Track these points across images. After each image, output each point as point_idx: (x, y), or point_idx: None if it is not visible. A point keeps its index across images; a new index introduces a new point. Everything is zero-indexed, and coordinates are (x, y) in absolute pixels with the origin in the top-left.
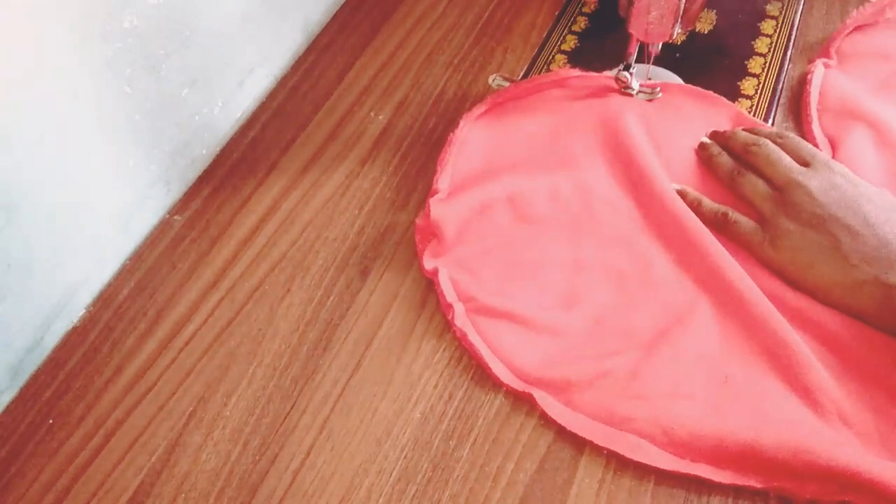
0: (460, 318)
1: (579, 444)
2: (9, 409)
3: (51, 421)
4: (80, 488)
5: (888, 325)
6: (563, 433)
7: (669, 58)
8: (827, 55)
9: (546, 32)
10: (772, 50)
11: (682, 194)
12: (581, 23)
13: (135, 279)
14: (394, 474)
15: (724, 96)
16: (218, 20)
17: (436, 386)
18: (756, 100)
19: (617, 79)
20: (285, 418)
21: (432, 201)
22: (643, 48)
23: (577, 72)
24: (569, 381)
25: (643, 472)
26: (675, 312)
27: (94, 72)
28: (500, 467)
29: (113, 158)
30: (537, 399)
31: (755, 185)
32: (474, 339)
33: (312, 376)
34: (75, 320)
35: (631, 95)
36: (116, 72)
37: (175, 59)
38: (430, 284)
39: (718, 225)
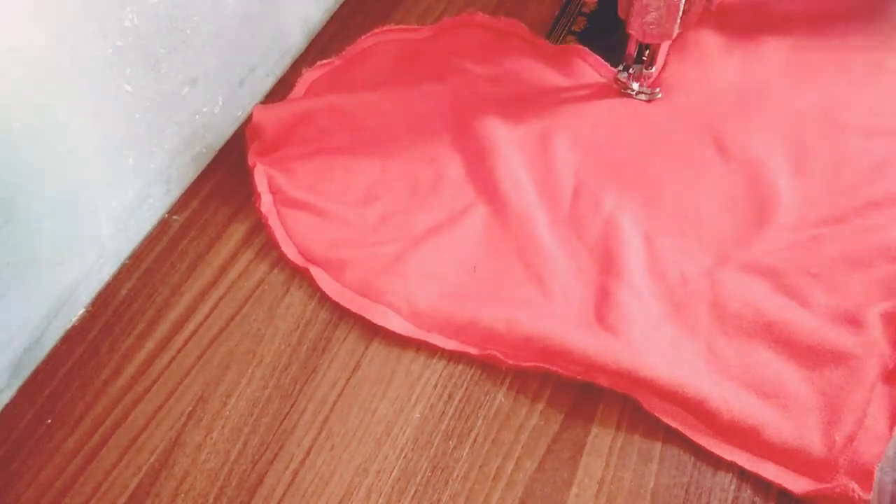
0: (266, 206)
1: (579, 444)
2: (8, 407)
3: (50, 420)
4: (79, 488)
5: None
6: (564, 430)
7: None
8: None
9: (546, 33)
10: None
11: None
12: (581, 23)
13: (134, 278)
14: (393, 474)
15: None
16: (218, 19)
17: (435, 386)
18: None
19: (617, 79)
20: (285, 418)
21: (255, 107)
22: (643, 48)
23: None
24: (343, 260)
25: (642, 472)
26: (450, 214)
27: (94, 70)
28: (500, 467)
29: (112, 157)
30: (313, 274)
31: None
32: (273, 223)
33: (312, 376)
34: (74, 319)
35: (631, 96)
36: (116, 70)
37: (175, 57)
38: None
39: None
